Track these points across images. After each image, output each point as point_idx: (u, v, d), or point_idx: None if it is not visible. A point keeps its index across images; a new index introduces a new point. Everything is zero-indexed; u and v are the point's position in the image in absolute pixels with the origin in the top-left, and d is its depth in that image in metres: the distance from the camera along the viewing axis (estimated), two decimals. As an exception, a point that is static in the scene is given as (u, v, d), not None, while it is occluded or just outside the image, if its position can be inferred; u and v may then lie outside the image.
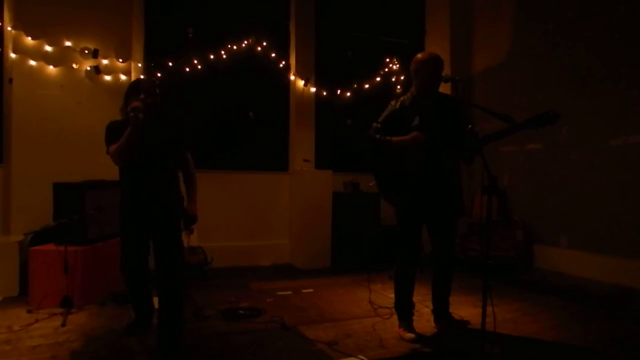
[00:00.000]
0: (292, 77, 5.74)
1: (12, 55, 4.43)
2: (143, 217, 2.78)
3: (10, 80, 4.45)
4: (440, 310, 3.25)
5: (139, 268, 2.95)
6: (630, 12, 4.37)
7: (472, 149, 2.78)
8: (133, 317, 3.12)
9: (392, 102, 3.18)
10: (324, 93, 5.84)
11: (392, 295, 3.29)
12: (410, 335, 3.04)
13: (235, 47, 5.35)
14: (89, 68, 4.69)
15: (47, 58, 4.54)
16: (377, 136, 3.07)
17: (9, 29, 4.44)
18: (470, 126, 2.88)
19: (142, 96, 2.66)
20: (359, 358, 2.70)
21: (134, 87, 2.78)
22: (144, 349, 2.83)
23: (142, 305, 3.07)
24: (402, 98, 3.13)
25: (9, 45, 4.46)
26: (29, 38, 4.47)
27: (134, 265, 2.93)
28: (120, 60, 4.83)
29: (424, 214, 3.08)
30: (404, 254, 3.11)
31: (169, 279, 2.73)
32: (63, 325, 3.19)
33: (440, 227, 3.11)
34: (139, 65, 5.02)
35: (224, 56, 5.29)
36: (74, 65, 4.64)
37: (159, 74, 5.03)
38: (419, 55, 3.05)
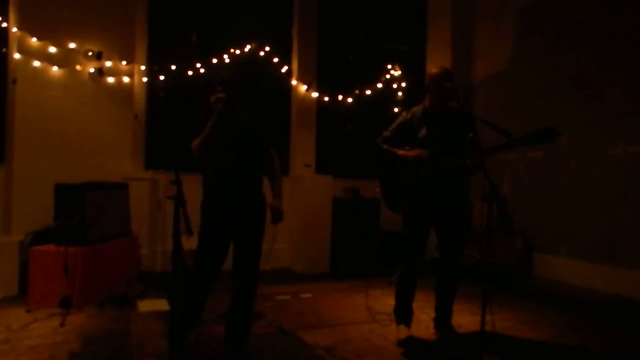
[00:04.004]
0: (294, 82, 5.76)
1: (17, 56, 4.46)
2: (231, 220, 2.72)
3: (14, 81, 4.47)
4: (442, 318, 3.25)
5: (214, 277, 2.74)
6: (631, 21, 4.40)
7: (474, 163, 2.81)
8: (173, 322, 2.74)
9: (404, 113, 3.24)
10: (326, 98, 5.86)
11: (391, 302, 3.30)
12: (405, 333, 3.07)
13: (237, 52, 5.37)
14: (92, 70, 4.72)
15: (51, 59, 4.56)
16: (384, 146, 3.13)
17: (15, 29, 4.46)
18: (471, 134, 2.91)
19: (219, 88, 2.64)
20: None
21: (208, 82, 2.74)
22: (143, 351, 2.84)
23: (196, 317, 2.84)
24: (414, 109, 3.18)
25: (13, 46, 4.48)
26: (34, 39, 4.50)
27: (211, 273, 2.73)
28: (124, 62, 4.86)
29: (432, 220, 3.10)
30: (409, 261, 3.12)
31: (247, 289, 2.78)
32: (62, 325, 3.20)
33: (450, 234, 3.11)
34: (142, 67, 5.04)
35: (227, 60, 5.31)
36: (78, 67, 4.66)
37: (162, 77, 5.05)
38: (433, 70, 3.13)
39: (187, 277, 2.78)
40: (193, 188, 2.97)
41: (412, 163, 3.00)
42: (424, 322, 3.45)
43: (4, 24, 4.45)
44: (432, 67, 3.20)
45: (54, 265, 3.58)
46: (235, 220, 2.73)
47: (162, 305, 3.72)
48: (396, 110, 5.94)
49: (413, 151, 2.99)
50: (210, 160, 2.67)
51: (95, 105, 4.76)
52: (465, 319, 3.56)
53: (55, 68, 4.58)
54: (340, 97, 5.93)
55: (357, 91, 5.98)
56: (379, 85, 6.09)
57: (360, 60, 6.24)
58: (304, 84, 5.76)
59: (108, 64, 4.78)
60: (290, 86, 5.78)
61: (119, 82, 4.85)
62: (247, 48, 5.43)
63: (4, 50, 4.53)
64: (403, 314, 3.20)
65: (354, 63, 6.22)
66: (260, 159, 2.85)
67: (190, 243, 4.48)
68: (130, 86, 4.93)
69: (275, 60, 5.58)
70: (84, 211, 3.77)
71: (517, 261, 5.06)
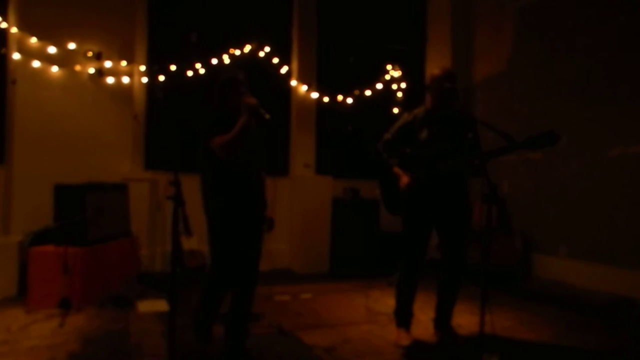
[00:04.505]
0: (294, 83, 5.76)
1: (16, 57, 4.46)
2: (247, 219, 2.74)
3: (14, 81, 4.47)
4: (442, 319, 3.25)
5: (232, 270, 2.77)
6: (630, 21, 4.40)
7: (474, 166, 2.82)
8: (198, 324, 2.87)
9: (405, 114, 3.24)
10: (325, 99, 5.86)
11: (390, 302, 3.30)
12: (406, 341, 3.05)
13: (237, 52, 5.37)
14: (92, 70, 4.72)
15: (50, 60, 4.57)
16: (384, 155, 3.15)
17: (15, 29, 4.46)
18: (471, 135, 2.92)
19: (242, 90, 2.66)
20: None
21: (233, 82, 2.72)
22: (143, 351, 2.84)
23: (214, 311, 2.88)
24: (415, 110, 3.18)
25: (13, 46, 4.48)
26: (33, 40, 4.50)
27: (230, 267, 2.75)
28: (124, 63, 4.86)
29: (433, 221, 3.10)
30: (410, 262, 3.12)
31: (248, 291, 2.79)
32: (61, 326, 3.20)
33: (453, 235, 3.11)
34: (142, 68, 5.04)
35: (227, 60, 5.31)
36: (77, 68, 4.67)
37: (161, 77, 5.05)
38: (435, 71, 3.13)
39: (211, 278, 2.80)
40: (192, 188, 2.97)
41: (400, 186, 3.02)
42: (423, 323, 3.45)
43: (4, 24, 4.45)
44: (434, 68, 3.21)
45: (54, 266, 3.58)
46: (250, 220, 2.75)
47: (161, 305, 3.72)
48: (396, 110, 5.94)
49: (403, 178, 3.01)
50: (233, 160, 2.64)
51: (95, 105, 4.76)
52: (464, 319, 3.56)
53: (55, 68, 4.59)
54: (340, 98, 5.93)
55: (357, 92, 5.98)
56: (379, 85, 6.09)
57: (360, 60, 6.24)
58: (304, 84, 5.76)
59: (108, 64, 4.78)
60: (290, 87, 5.78)
61: (119, 82, 4.85)
62: (247, 48, 5.43)
63: (4, 50, 4.53)
64: (403, 316, 3.19)
65: (354, 63, 6.22)
66: (263, 162, 2.92)
67: (190, 244, 4.51)
68: (129, 86, 4.93)
69: (275, 60, 5.58)
70: (84, 212, 3.77)
71: (517, 261, 5.07)
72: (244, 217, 2.73)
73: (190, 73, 5.12)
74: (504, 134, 2.60)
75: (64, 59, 4.62)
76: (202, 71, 5.18)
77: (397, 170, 3.08)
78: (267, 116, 2.61)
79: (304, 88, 5.76)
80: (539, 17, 5.36)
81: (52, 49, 4.55)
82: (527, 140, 2.52)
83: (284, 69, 5.64)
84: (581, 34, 4.85)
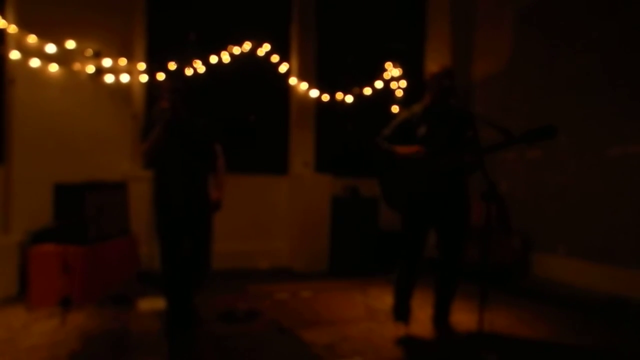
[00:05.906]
0: (294, 81, 5.76)
1: (15, 55, 4.45)
2: (181, 211, 2.98)
3: (12, 80, 4.46)
4: (441, 317, 3.27)
5: (180, 261, 3.02)
6: (630, 21, 4.40)
7: (473, 162, 2.84)
8: (169, 318, 3.13)
9: (403, 111, 3.25)
10: (325, 97, 5.86)
11: (389, 300, 3.32)
12: (403, 330, 3.11)
13: (236, 50, 5.36)
14: (91, 69, 4.72)
15: (49, 58, 4.56)
16: (384, 144, 3.15)
17: (13, 27, 4.44)
18: (470, 132, 2.93)
19: (166, 96, 2.96)
20: (355, 362, 2.72)
21: (161, 89, 3.03)
22: (143, 349, 2.85)
23: (182, 303, 3.12)
24: (414, 107, 3.20)
25: (11, 45, 4.47)
26: (32, 38, 4.49)
27: (177, 259, 3.01)
28: (123, 61, 4.86)
29: (432, 218, 3.11)
30: (408, 258, 3.13)
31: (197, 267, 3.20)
32: (62, 325, 3.21)
33: (451, 234, 3.13)
34: (141, 66, 5.03)
35: (226, 58, 5.30)
36: (76, 66, 4.67)
37: (162, 75, 5.04)
38: (433, 68, 3.16)
39: (172, 280, 3.04)
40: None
41: (413, 160, 3.02)
42: (422, 320, 3.47)
43: (2, 23, 4.44)
44: (432, 65, 3.23)
45: (54, 265, 3.59)
46: (185, 213, 2.99)
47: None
48: (395, 109, 5.94)
49: (411, 148, 3.01)
50: (159, 162, 2.97)
51: (94, 104, 4.76)
52: (463, 317, 3.57)
53: (53, 67, 4.58)
54: (339, 96, 5.92)
55: (356, 90, 5.98)
56: (379, 84, 6.08)
57: (359, 59, 6.24)
58: (304, 82, 5.76)
59: (107, 62, 4.78)
60: (289, 85, 5.78)
61: (118, 81, 4.85)
62: (247, 46, 5.42)
63: (2, 49, 4.52)
64: (401, 312, 3.22)
65: (354, 62, 6.23)
66: (205, 158, 3.16)
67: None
68: (129, 85, 4.93)
69: (275, 58, 5.57)
70: (84, 211, 3.78)
71: (515, 260, 5.08)
72: (169, 209, 2.95)
73: (189, 71, 5.11)
74: (502, 129, 2.60)
75: (63, 58, 4.61)
76: (201, 69, 5.18)
77: (401, 148, 3.07)
78: (167, 115, 2.88)
79: (303, 86, 5.76)
80: (538, 17, 5.35)
81: (50, 48, 4.54)
82: (525, 134, 2.51)
83: (283, 67, 5.64)
84: (581, 34, 4.85)
